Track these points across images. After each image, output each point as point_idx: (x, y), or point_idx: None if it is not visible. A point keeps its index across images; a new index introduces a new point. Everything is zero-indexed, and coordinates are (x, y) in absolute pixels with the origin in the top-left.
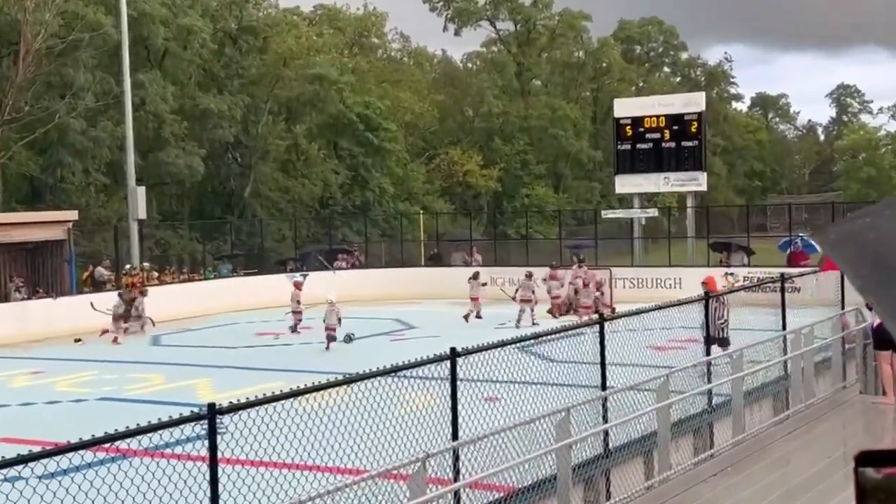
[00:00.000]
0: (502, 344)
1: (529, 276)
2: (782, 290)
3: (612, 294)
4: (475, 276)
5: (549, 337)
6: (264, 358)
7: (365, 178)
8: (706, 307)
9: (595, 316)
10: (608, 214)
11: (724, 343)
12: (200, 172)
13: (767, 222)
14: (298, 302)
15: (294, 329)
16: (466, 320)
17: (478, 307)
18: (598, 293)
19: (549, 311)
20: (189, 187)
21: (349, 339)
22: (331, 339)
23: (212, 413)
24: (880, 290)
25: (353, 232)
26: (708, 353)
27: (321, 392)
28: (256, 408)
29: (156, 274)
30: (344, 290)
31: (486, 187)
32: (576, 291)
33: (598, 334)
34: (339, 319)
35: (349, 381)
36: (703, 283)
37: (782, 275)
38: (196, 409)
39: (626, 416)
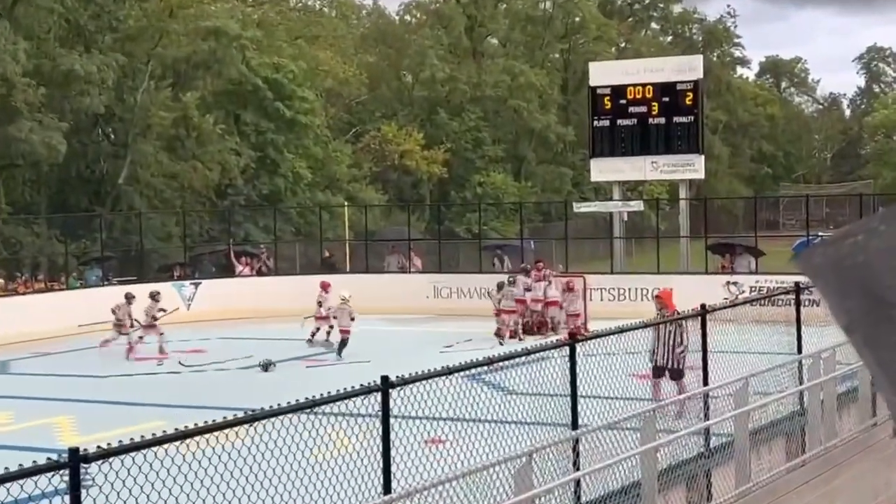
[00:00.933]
0: (448, 371)
1: (512, 281)
2: (797, 303)
3: (585, 308)
4: (508, 284)
5: (506, 363)
6: (143, 390)
7: (274, 160)
8: (658, 330)
9: (559, 335)
10: (581, 208)
11: (677, 375)
12: (62, 152)
13: (780, 218)
14: (320, 304)
15: (311, 340)
16: (501, 341)
17: (507, 323)
18: (556, 300)
19: (509, 334)
20: (47, 171)
21: (266, 366)
22: (344, 343)
23: (74, 461)
24: (867, 326)
25: (259, 229)
26: (655, 389)
27: (215, 434)
28: (132, 454)
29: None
30: (246, 302)
31: (428, 173)
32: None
33: (567, 359)
34: (353, 318)
35: (251, 419)
36: (657, 297)
37: (797, 284)
38: (55, 456)
39: (603, 461)
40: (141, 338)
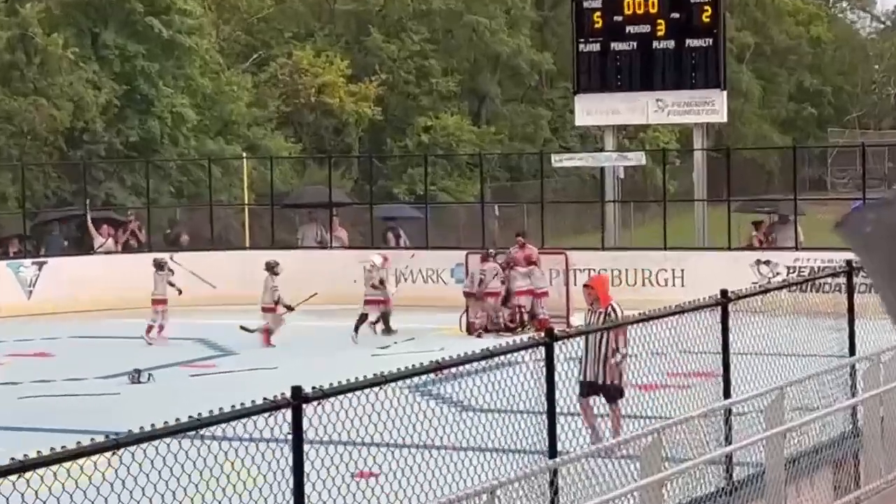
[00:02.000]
0: (383, 381)
1: (488, 256)
2: (850, 288)
3: (568, 297)
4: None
5: (460, 369)
6: None
7: (147, 96)
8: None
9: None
10: (563, 162)
11: (611, 395)
12: None
13: (828, 176)
14: (379, 285)
15: (375, 323)
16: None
17: (494, 309)
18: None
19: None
20: None
21: (137, 376)
22: (385, 318)
23: None
24: None
25: (125, 189)
26: (585, 414)
27: (65, 465)
28: None
29: None
30: (108, 287)
31: (356, 115)
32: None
33: (542, 364)
34: (393, 282)
35: (113, 446)
36: (588, 286)
37: (850, 264)
38: None
39: (591, 499)
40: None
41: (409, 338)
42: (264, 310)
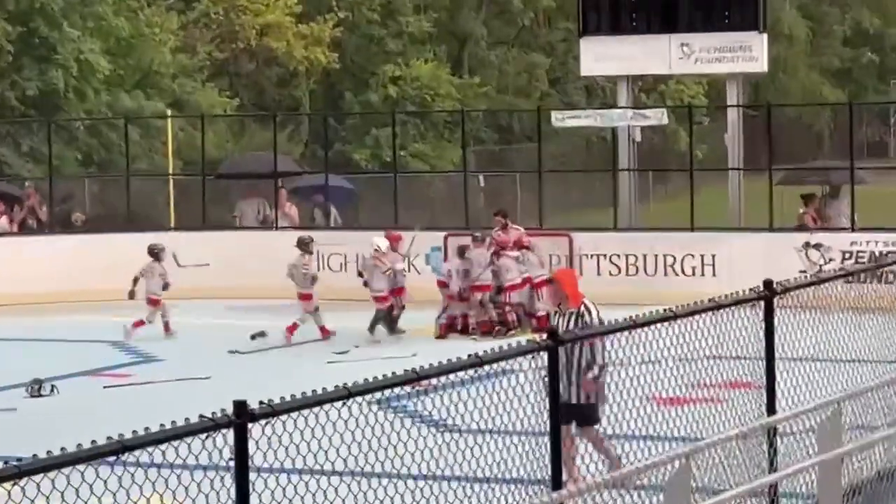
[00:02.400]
0: (346, 394)
1: (478, 239)
2: None
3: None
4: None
5: (439, 381)
6: None
7: (48, 39)
8: (555, 345)
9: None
10: (566, 121)
11: (587, 415)
12: None
13: (891, 137)
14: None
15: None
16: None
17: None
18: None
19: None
20: None
21: (36, 389)
22: (391, 315)
23: None
24: None
25: (21, 156)
26: (554, 437)
27: None
28: None
29: None
30: (2, 275)
31: (307, 62)
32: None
33: (544, 374)
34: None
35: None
36: (553, 281)
37: None
38: None
39: None
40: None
41: (373, 340)
42: (302, 297)
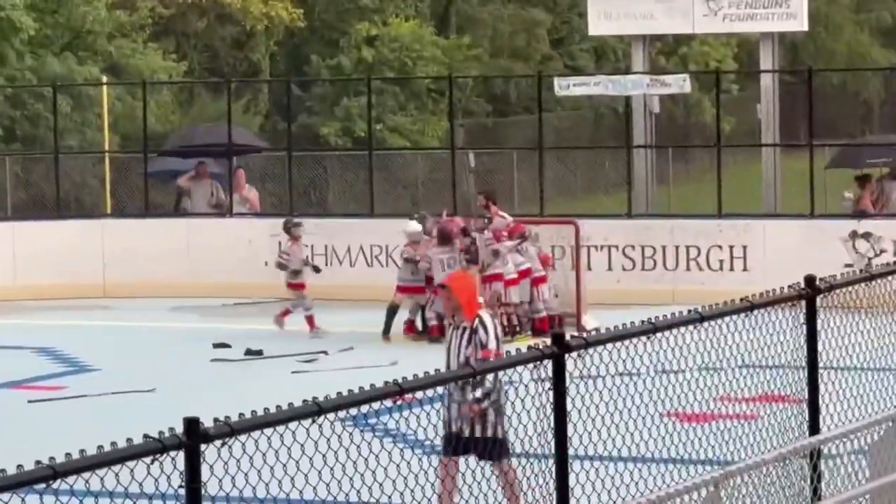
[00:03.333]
0: (318, 410)
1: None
2: None
3: (579, 284)
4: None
5: (428, 393)
6: None
7: None
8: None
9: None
10: (570, 88)
11: (489, 451)
12: None
13: None
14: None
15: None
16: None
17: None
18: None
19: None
20: None
21: None
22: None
23: None
24: None
25: None
26: (444, 478)
27: None
28: None
29: None
30: None
31: (267, 20)
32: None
33: (548, 387)
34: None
35: None
36: (446, 286)
37: None
38: None
39: None
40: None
41: (345, 347)
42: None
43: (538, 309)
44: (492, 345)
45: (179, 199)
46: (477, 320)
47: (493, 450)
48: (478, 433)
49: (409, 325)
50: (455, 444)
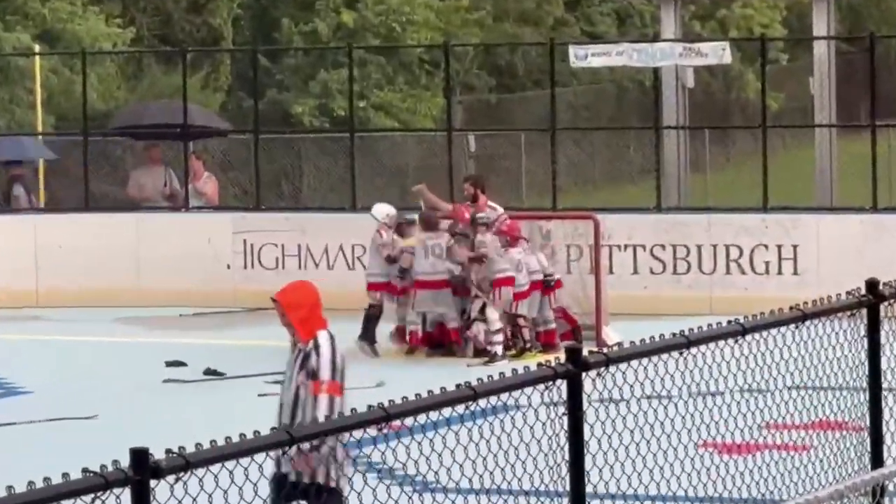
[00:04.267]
0: (290, 440)
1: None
2: None
3: (599, 291)
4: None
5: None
6: None
7: None
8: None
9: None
10: (588, 58)
11: (324, 500)
12: None
13: None
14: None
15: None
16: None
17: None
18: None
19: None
20: None
21: None
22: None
23: None
24: None
25: None
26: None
27: None
28: None
29: None
30: None
31: None
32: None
33: (562, 411)
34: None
35: None
36: (276, 300)
37: None
38: None
39: None
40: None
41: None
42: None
43: (547, 319)
44: (324, 374)
45: (10, 188)
46: (312, 342)
47: (325, 499)
48: (306, 479)
49: (400, 334)
50: (282, 488)
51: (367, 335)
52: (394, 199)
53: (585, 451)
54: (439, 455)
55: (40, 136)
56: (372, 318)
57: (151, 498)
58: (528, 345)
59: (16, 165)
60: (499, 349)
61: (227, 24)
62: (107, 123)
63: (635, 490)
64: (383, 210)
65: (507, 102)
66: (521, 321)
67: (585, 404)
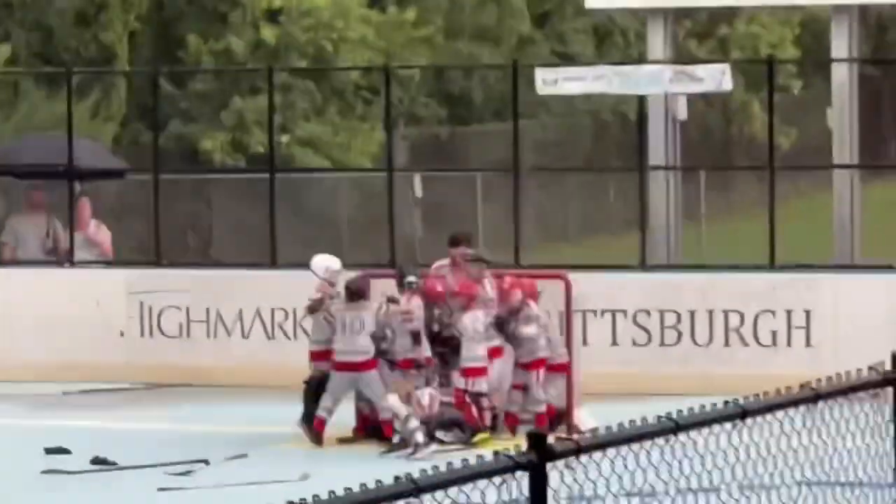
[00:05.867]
0: None
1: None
2: None
3: (571, 364)
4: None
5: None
6: None
7: None
8: None
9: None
10: (558, 84)
11: None
12: None
13: None
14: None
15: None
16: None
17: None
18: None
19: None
20: None
21: None
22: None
23: None
24: None
25: None
26: None
27: None
28: None
29: None
30: None
31: None
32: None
33: None
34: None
35: None
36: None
37: None
38: None
39: None
40: None
41: (234, 454)
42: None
43: (538, 399)
44: None
45: None
46: None
47: None
48: None
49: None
50: None
51: (311, 416)
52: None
53: None
54: None
55: None
56: (313, 393)
57: None
58: (483, 426)
59: None
60: (419, 435)
61: (121, 40)
62: None
63: None
64: (323, 263)
65: (460, 137)
66: (482, 401)
67: (551, 502)
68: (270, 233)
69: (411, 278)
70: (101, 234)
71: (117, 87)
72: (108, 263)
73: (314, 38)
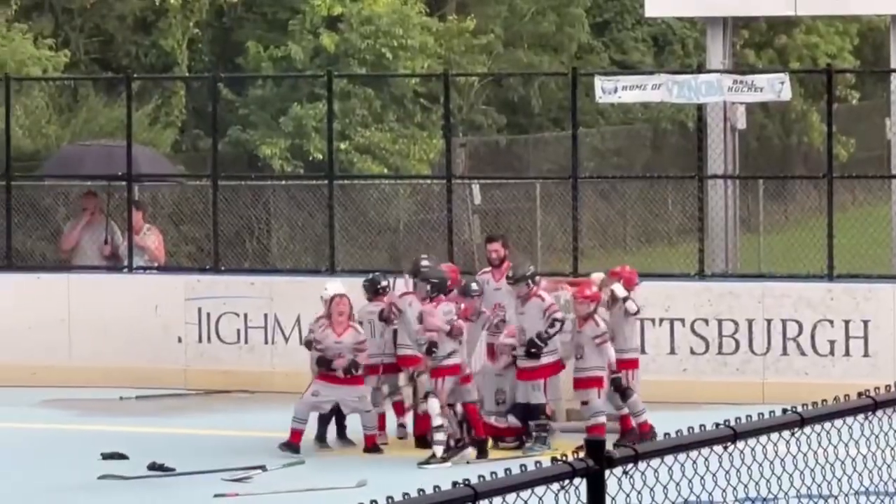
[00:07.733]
0: None
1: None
2: None
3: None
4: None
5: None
6: None
7: None
8: None
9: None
10: (618, 93)
11: None
12: None
13: None
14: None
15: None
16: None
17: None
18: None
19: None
20: None
21: None
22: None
23: None
24: None
25: None
26: None
27: None
28: None
29: None
30: None
31: None
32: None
33: None
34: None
35: None
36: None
37: None
38: None
39: None
40: None
41: (291, 460)
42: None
43: (596, 410)
44: None
45: None
46: None
47: None
48: None
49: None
50: None
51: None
52: (381, 260)
53: None
54: None
55: None
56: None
57: None
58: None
59: None
60: (438, 449)
61: (181, 47)
62: (35, 165)
63: None
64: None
65: (519, 145)
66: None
67: None
68: (329, 239)
69: (384, 283)
70: (152, 237)
71: (177, 94)
72: (167, 269)
73: (373, 46)
